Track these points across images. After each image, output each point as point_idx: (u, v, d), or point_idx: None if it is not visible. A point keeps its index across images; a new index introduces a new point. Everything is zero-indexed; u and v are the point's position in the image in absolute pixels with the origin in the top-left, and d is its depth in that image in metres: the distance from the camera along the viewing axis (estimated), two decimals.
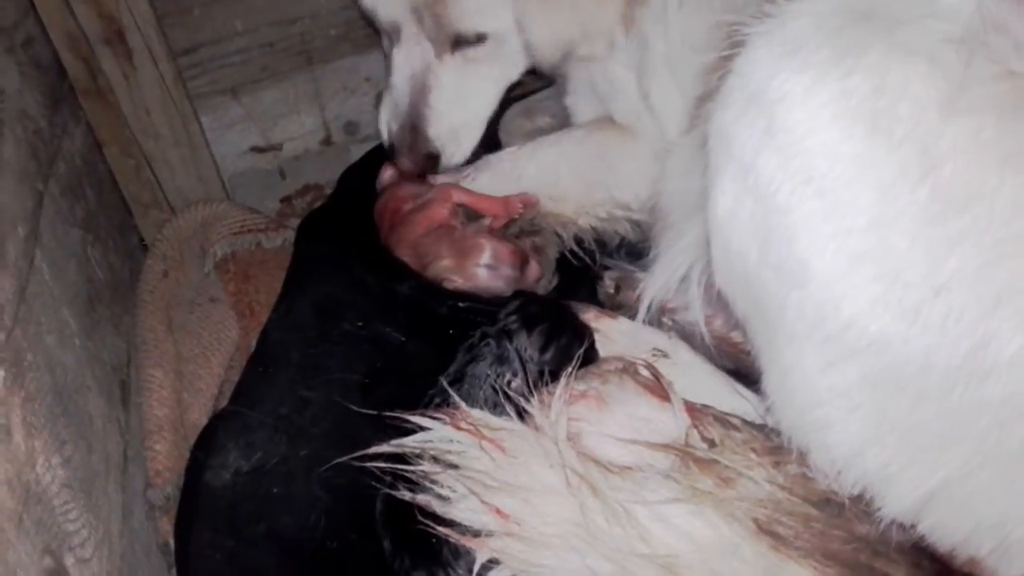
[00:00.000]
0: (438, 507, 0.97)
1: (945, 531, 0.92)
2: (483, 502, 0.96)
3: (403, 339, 1.33)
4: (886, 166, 0.82)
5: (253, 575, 1.09)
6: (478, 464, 0.98)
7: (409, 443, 1.02)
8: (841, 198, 0.84)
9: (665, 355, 1.25)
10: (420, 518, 0.97)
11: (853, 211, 0.84)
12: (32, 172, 1.19)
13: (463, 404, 1.05)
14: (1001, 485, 0.85)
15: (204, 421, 1.31)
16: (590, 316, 1.31)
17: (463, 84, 1.46)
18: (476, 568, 0.95)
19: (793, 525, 0.99)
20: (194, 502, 1.16)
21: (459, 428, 1.01)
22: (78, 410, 1.08)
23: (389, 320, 1.34)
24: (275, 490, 1.14)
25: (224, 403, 1.33)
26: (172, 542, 1.18)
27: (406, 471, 1.00)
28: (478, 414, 1.04)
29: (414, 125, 1.47)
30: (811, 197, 0.85)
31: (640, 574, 0.93)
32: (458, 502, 0.97)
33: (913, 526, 0.94)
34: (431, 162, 1.50)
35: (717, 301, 1.19)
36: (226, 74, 1.67)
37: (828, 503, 1.01)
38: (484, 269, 1.38)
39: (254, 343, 1.40)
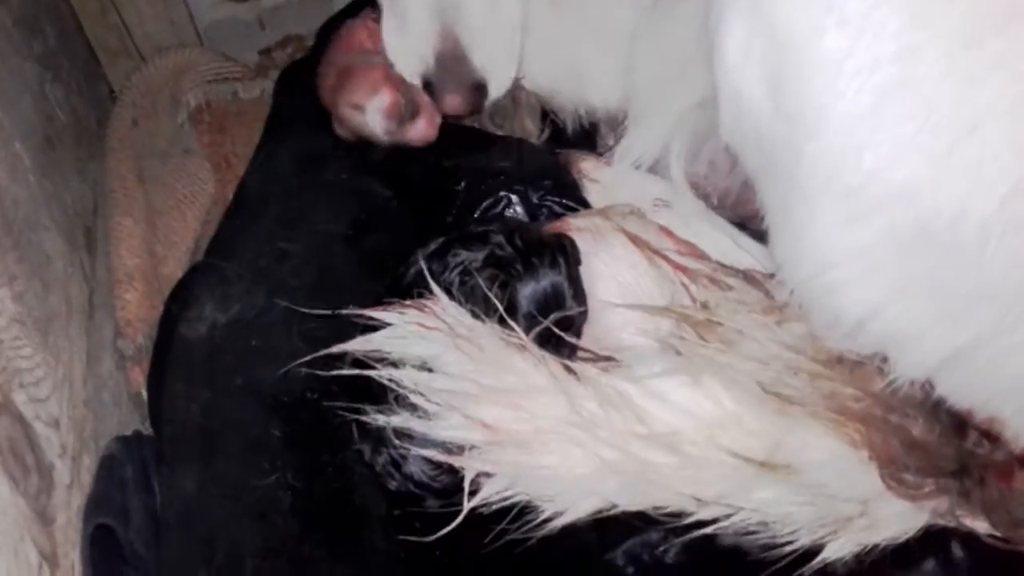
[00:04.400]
0: (418, 426, 0.89)
1: (965, 393, 0.87)
2: (466, 416, 0.88)
3: (390, 193, 1.25)
4: None
5: (229, 426, 1.03)
6: (454, 368, 0.90)
7: (375, 343, 0.93)
8: (866, 26, 0.75)
9: (667, 205, 1.17)
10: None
11: (879, 39, 0.75)
12: None
13: (439, 292, 0.94)
14: None
15: (179, 274, 1.25)
16: (588, 165, 1.24)
17: None
18: (467, 486, 0.87)
19: (800, 386, 0.93)
20: (168, 354, 1.10)
21: (427, 328, 0.92)
22: (32, 247, 1.02)
23: (373, 173, 1.26)
24: (253, 342, 1.08)
25: (201, 257, 1.27)
26: (145, 393, 1.15)
27: (375, 376, 0.91)
28: (453, 311, 0.93)
29: (455, 53, 1.16)
30: (832, 28, 0.76)
31: (645, 456, 0.88)
32: (439, 419, 0.89)
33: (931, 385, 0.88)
34: (481, 94, 1.20)
35: (720, 166, 1.13)
36: None
37: (839, 362, 0.95)
38: (353, 110, 1.19)
39: (231, 196, 1.32)
